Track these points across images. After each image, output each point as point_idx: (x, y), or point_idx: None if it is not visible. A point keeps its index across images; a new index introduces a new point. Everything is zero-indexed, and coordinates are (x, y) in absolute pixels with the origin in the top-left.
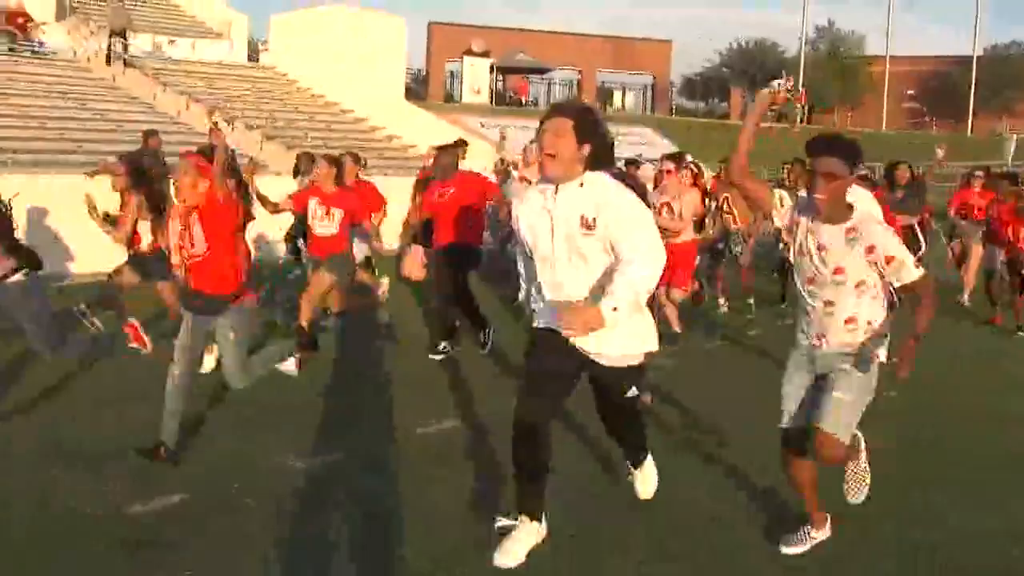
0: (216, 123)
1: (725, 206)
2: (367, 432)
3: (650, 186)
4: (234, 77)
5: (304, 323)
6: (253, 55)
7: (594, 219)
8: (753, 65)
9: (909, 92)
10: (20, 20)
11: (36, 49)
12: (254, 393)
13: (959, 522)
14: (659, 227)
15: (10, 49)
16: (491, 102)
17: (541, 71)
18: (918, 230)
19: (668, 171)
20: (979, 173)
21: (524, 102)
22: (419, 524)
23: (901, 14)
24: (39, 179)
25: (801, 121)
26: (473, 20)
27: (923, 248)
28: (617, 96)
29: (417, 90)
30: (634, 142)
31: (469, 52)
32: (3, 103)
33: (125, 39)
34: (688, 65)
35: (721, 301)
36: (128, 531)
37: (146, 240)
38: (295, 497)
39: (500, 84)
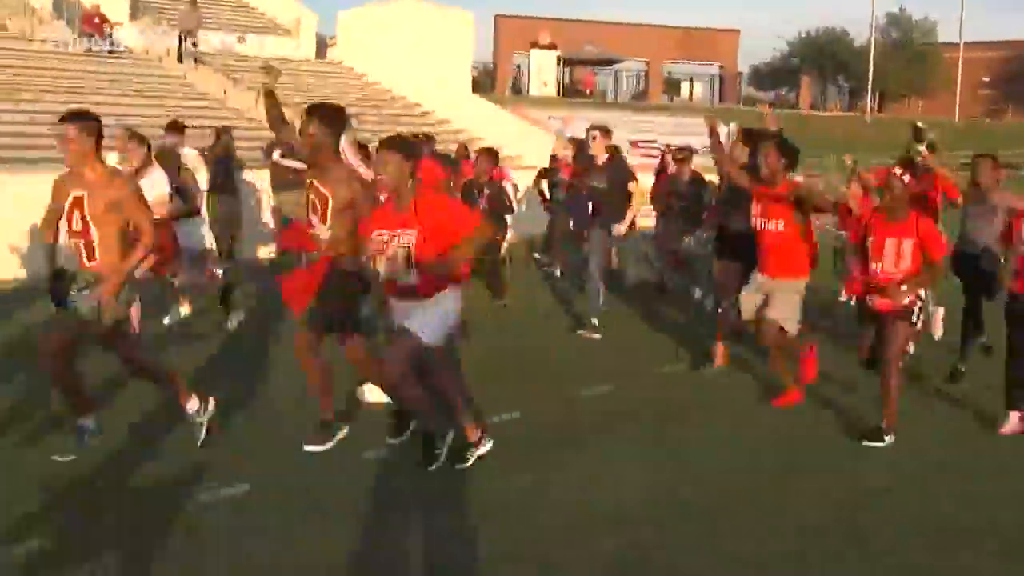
0: None
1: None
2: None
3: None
4: (303, 73)
5: None
6: (321, 51)
7: None
8: (823, 54)
9: (984, 79)
10: (97, 21)
11: (111, 49)
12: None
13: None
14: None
15: (88, 50)
16: (558, 94)
17: (608, 63)
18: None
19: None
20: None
21: (591, 93)
22: (490, 516)
23: None
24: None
25: (872, 111)
26: (539, 12)
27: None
28: (684, 87)
29: (484, 83)
30: (701, 132)
31: (536, 44)
32: (82, 101)
33: (195, 38)
34: (756, 55)
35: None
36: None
37: None
38: (367, 488)
39: (567, 76)
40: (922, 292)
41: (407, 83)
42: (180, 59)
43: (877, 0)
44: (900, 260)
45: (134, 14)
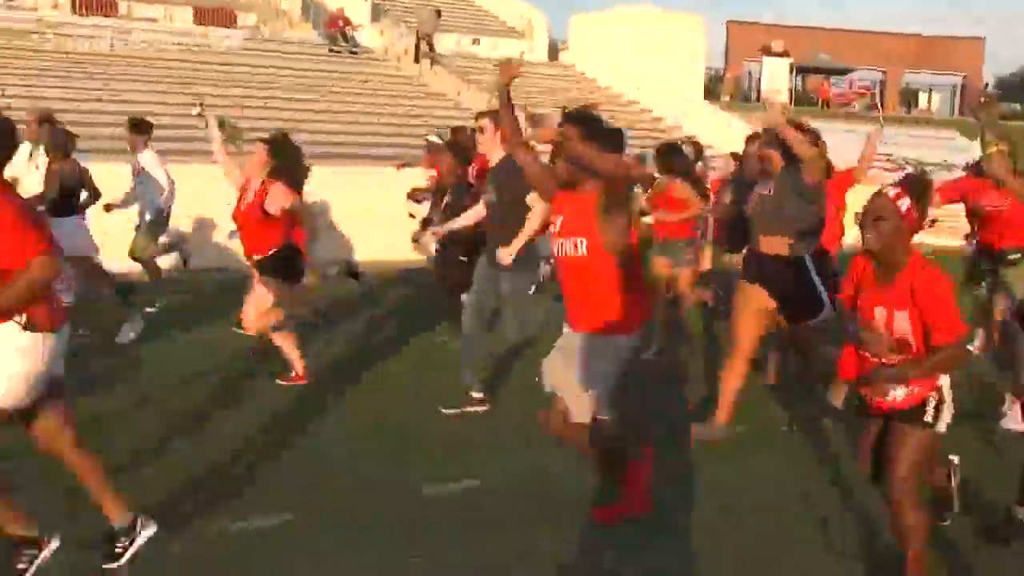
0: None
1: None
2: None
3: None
4: (535, 75)
5: None
6: (553, 54)
7: None
8: None
9: None
10: (341, 23)
11: (352, 49)
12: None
13: None
14: None
15: (331, 50)
16: (790, 103)
17: (842, 71)
18: None
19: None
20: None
21: (827, 104)
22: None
23: None
24: (358, 170)
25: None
26: (773, 19)
27: None
28: (923, 98)
29: (714, 89)
30: (939, 146)
31: (768, 51)
32: (323, 99)
33: (432, 41)
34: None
35: None
36: None
37: None
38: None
39: (799, 85)
40: (944, 383)
41: (639, 88)
42: (417, 60)
43: None
44: (896, 339)
45: (375, 16)
